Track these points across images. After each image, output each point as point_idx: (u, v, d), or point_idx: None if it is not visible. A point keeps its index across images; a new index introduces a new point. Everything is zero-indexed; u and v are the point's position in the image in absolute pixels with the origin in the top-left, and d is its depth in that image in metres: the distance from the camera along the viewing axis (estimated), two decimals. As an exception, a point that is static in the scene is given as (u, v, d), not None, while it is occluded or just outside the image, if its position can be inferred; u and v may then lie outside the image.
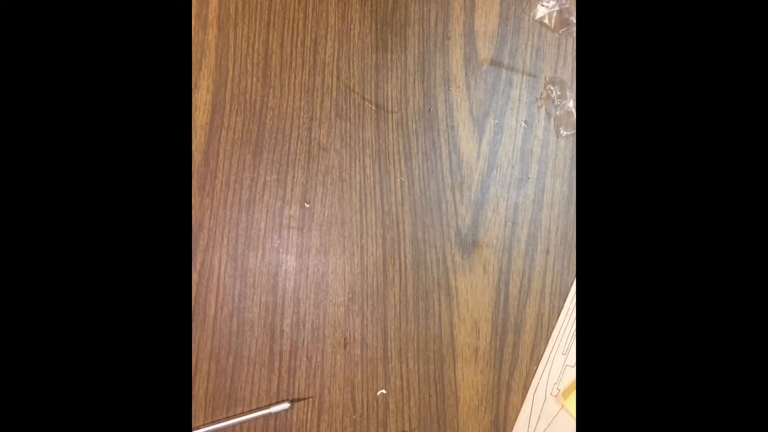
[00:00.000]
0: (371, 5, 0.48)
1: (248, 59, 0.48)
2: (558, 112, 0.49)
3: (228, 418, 0.50)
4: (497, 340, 0.51)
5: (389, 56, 0.49)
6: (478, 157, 0.50)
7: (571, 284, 0.51)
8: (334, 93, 0.49)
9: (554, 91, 0.49)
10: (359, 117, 0.49)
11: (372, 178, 0.50)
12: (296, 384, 0.51)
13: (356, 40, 0.49)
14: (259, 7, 0.48)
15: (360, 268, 0.50)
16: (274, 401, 0.51)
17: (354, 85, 0.49)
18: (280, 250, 0.50)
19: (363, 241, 0.50)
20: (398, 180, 0.50)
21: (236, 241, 0.50)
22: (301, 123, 0.49)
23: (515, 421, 0.52)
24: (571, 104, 0.49)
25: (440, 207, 0.50)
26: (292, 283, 0.51)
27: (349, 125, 0.49)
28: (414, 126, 0.49)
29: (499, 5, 0.49)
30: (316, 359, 0.51)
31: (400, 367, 0.51)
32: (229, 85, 0.48)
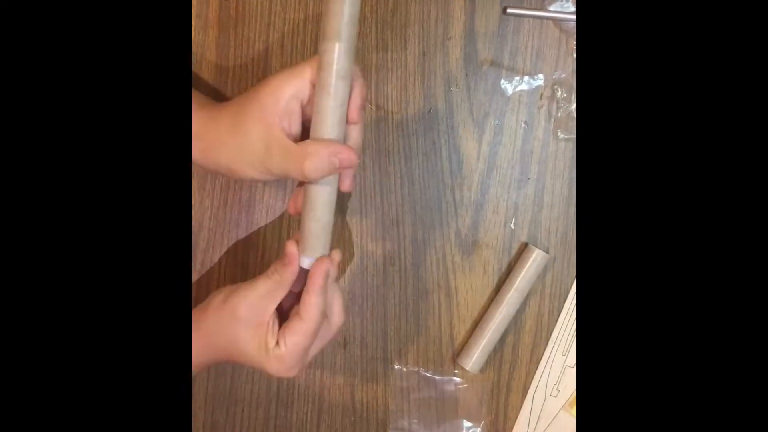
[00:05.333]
0: (371, 5, 0.48)
1: (248, 60, 0.48)
2: (559, 114, 0.49)
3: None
4: (497, 340, 0.51)
5: (389, 56, 0.49)
6: (478, 158, 0.50)
7: (571, 285, 0.51)
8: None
9: (560, 92, 0.49)
10: (359, 117, 0.49)
11: (372, 178, 0.50)
12: (296, 384, 0.51)
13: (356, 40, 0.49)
14: (259, 8, 0.48)
15: (360, 269, 0.50)
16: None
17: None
18: (280, 251, 0.50)
19: (363, 241, 0.50)
20: (398, 180, 0.50)
21: (236, 241, 0.50)
22: (301, 123, 0.49)
23: (515, 422, 0.52)
24: (574, 108, 0.49)
25: (440, 207, 0.50)
26: (292, 284, 0.51)
27: (349, 126, 0.49)
28: (414, 126, 0.49)
29: (500, 6, 0.49)
30: (316, 359, 0.51)
31: (400, 368, 0.51)
32: (229, 86, 0.48)
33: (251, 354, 0.39)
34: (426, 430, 0.51)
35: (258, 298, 0.40)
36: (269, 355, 0.39)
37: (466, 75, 0.49)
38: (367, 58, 0.49)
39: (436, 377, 0.51)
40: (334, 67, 0.37)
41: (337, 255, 0.41)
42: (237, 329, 0.39)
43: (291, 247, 0.40)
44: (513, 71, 0.49)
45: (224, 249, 0.50)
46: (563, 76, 0.49)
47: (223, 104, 0.41)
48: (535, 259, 0.49)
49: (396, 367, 0.51)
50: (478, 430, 0.51)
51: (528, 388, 0.52)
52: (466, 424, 0.51)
